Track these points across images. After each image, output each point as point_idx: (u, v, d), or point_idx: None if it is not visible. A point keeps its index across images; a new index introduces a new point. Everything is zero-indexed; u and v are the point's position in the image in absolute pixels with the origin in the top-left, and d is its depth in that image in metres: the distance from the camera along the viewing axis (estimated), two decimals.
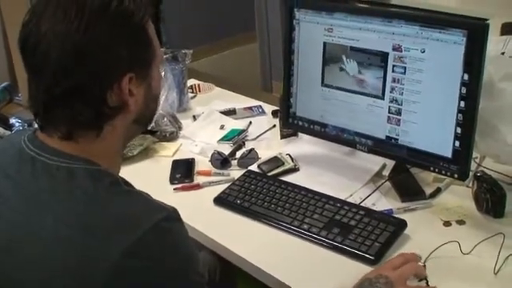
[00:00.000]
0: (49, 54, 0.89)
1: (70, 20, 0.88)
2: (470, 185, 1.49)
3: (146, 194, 0.96)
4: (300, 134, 1.84)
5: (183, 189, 1.63)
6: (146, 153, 1.83)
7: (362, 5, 1.68)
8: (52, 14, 0.89)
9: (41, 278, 0.87)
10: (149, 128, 1.81)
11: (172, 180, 1.68)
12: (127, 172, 1.04)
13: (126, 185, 0.96)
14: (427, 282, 1.21)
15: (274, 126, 1.95)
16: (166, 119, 1.93)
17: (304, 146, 1.80)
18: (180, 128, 1.97)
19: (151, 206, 0.92)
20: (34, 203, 0.92)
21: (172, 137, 1.92)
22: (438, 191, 1.52)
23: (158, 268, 0.88)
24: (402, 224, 1.37)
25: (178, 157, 1.81)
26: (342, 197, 1.50)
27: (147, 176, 1.69)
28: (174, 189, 1.63)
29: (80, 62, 0.89)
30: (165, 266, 0.89)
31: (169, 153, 1.84)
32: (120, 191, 0.93)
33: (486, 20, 1.35)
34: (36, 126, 0.99)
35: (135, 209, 0.91)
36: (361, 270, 1.23)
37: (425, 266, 1.25)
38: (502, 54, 1.46)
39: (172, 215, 0.92)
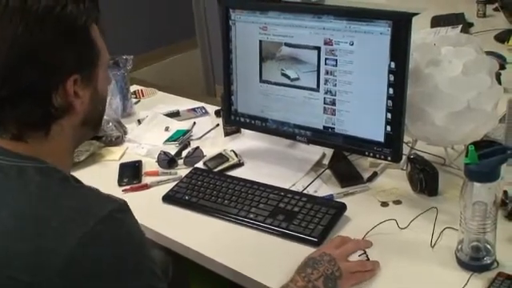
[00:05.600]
0: None
1: (16, 24, 0.91)
2: (405, 168, 1.58)
3: (96, 188, 0.99)
4: (243, 131, 1.89)
5: (132, 189, 1.66)
6: (93, 158, 1.85)
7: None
8: None
9: None
10: None
11: (120, 182, 1.70)
12: None
13: (76, 181, 1.00)
14: (367, 257, 1.28)
15: (218, 125, 1.99)
16: (111, 124, 1.95)
17: (247, 141, 1.86)
18: (125, 132, 1.99)
19: (102, 198, 0.96)
20: None
21: (118, 141, 1.94)
22: (374, 175, 1.60)
23: (111, 257, 0.91)
24: (342, 207, 1.44)
25: (124, 160, 1.84)
26: (285, 186, 1.56)
27: (95, 180, 1.64)
28: (123, 190, 1.65)
29: (24, 65, 0.92)
30: (118, 254, 0.91)
31: (115, 157, 1.87)
32: (71, 185, 0.97)
33: (415, 14, 1.43)
34: None
35: (87, 201, 0.94)
36: (306, 252, 1.27)
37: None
38: (434, 44, 1.54)
39: (123, 206, 0.96)
